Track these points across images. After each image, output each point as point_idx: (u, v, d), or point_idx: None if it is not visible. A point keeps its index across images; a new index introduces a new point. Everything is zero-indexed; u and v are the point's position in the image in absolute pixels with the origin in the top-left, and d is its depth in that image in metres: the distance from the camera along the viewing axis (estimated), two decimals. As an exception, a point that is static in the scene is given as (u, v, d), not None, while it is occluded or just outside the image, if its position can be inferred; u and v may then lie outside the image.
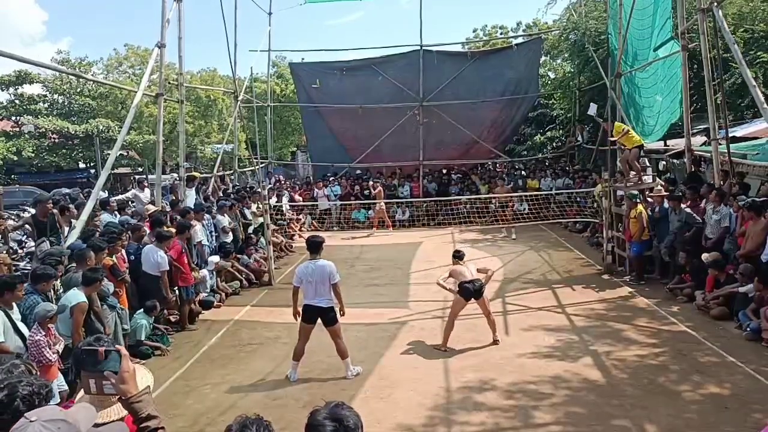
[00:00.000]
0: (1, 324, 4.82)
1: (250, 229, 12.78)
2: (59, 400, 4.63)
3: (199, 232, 9.99)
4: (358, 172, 20.04)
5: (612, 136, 11.28)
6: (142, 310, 7.58)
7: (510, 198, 15.39)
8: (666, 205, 9.69)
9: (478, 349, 6.97)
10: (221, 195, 13.96)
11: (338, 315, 6.33)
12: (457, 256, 7.52)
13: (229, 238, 11.24)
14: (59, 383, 5.07)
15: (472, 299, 6.89)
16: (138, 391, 2.01)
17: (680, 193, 9.71)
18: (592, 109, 13.96)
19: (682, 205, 9.26)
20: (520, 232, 14.78)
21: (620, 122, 12.54)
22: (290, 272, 11.61)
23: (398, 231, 16.49)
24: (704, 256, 8.12)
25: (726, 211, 8.40)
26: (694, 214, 9.01)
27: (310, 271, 6.19)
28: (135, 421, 2.01)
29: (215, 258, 9.98)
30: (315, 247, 6.31)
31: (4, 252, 5.39)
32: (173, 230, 8.61)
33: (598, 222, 12.29)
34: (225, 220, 11.31)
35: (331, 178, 18.98)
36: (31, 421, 1.82)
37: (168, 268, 8.03)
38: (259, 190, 12.98)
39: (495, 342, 7.08)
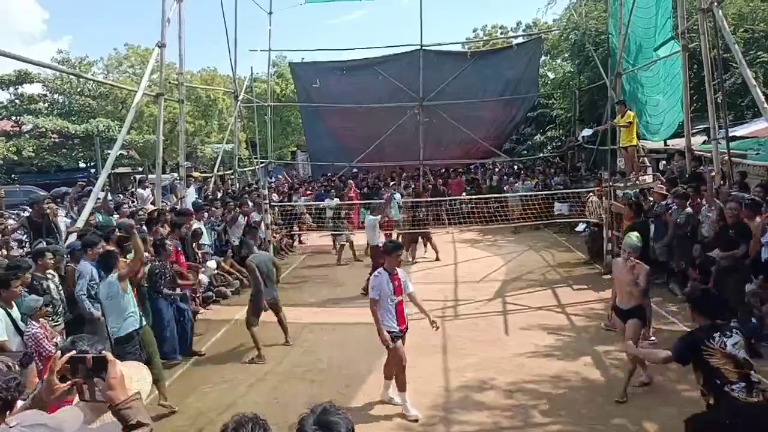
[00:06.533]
0: (3, 323, 4.81)
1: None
2: None
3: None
4: (355, 170, 20.00)
5: (619, 120, 10.84)
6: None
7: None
8: (665, 203, 9.66)
9: (477, 347, 6.97)
10: (218, 196, 13.97)
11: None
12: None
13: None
14: None
15: None
16: (126, 398, 1.92)
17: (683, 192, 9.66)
18: (586, 132, 13.82)
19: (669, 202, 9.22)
20: (520, 232, 14.74)
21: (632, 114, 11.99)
22: (290, 272, 11.62)
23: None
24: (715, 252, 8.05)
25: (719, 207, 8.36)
26: (695, 215, 8.97)
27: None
28: (123, 428, 1.92)
29: (213, 263, 9.73)
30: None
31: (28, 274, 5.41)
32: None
33: (598, 222, 12.25)
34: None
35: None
36: (10, 427, 1.76)
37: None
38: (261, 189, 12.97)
39: None
